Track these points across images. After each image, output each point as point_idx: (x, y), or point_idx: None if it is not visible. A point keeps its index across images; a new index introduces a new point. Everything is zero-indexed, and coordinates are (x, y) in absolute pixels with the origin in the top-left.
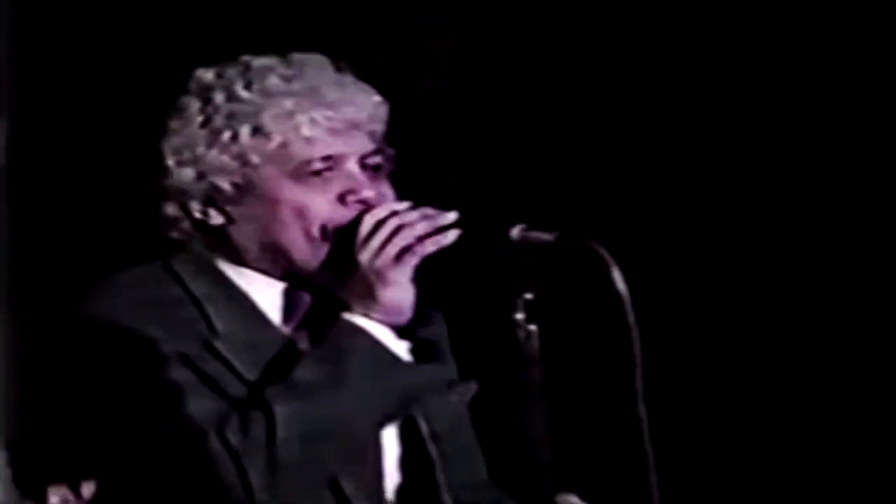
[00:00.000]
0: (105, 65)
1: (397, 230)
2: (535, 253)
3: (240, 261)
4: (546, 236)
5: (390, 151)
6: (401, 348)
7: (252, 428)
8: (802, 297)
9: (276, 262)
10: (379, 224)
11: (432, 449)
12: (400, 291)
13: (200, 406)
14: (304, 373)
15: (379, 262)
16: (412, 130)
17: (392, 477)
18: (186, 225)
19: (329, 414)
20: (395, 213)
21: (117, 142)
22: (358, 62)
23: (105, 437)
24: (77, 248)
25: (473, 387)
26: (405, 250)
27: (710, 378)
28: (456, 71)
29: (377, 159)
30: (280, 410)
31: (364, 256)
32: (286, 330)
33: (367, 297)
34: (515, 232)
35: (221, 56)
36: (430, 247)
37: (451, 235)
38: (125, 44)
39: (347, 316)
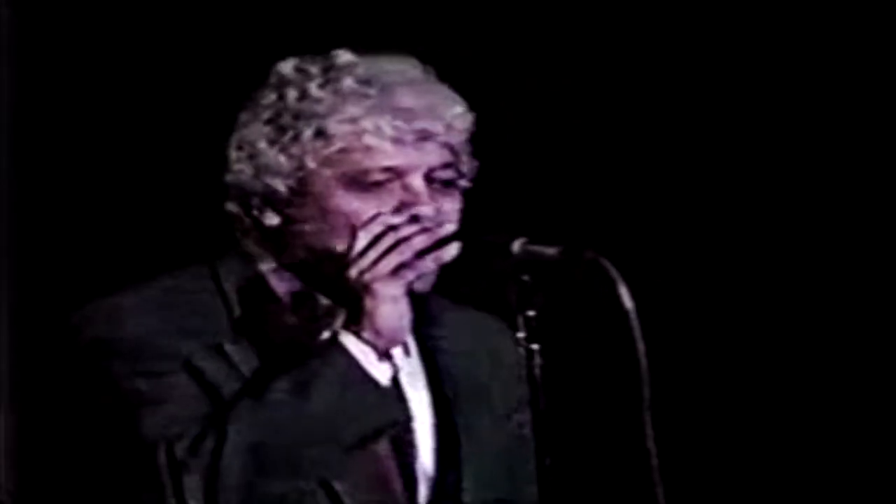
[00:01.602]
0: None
1: (394, 246)
2: (538, 268)
3: (288, 265)
4: (549, 250)
5: (469, 165)
6: (382, 371)
7: (202, 444)
8: (811, 310)
9: (320, 267)
10: (376, 240)
11: (467, 470)
12: (391, 309)
13: (168, 415)
14: (273, 389)
15: (368, 277)
16: None
17: (422, 494)
18: (246, 222)
19: (288, 435)
20: (392, 228)
21: (127, 149)
22: None
23: (78, 437)
24: (82, 262)
25: (525, 419)
26: (402, 266)
27: (718, 395)
28: (455, 78)
29: (448, 173)
30: (234, 428)
31: (355, 271)
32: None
33: (357, 313)
34: (517, 246)
35: (237, 60)
36: (429, 263)
37: (452, 250)
38: (126, 46)
39: (333, 331)
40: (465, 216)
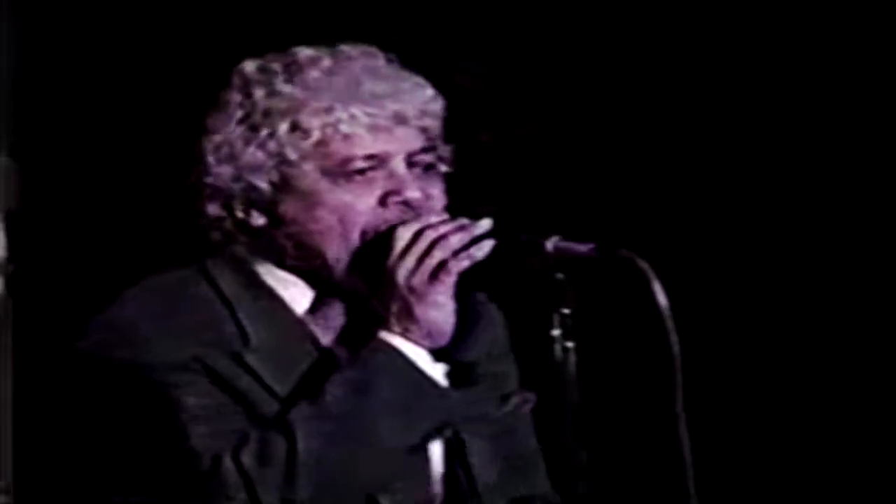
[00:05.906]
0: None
1: (434, 244)
2: (572, 266)
3: (281, 265)
4: (582, 248)
5: (446, 149)
6: (437, 372)
7: (271, 452)
8: (844, 306)
9: (313, 267)
10: (415, 237)
11: (477, 468)
12: (439, 311)
13: (218, 425)
14: (332, 393)
15: (417, 280)
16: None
17: (438, 497)
18: (229, 225)
19: (354, 438)
20: (429, 226)
21: (137, 159)
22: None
23: (114, 456)
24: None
25: (531, 397)
26: (441, 266)
27: (752, 393)
28: (488, 75)
29: (428, 157)
30: (302, 434)
31: (401, 273)
32: (325, 342)
33: (405, 316)
34: (551, 244)
35: (256, 53)
36: (464, 261)
37: (486, 247)
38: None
39: (384, 334)
40: (500, 215)
